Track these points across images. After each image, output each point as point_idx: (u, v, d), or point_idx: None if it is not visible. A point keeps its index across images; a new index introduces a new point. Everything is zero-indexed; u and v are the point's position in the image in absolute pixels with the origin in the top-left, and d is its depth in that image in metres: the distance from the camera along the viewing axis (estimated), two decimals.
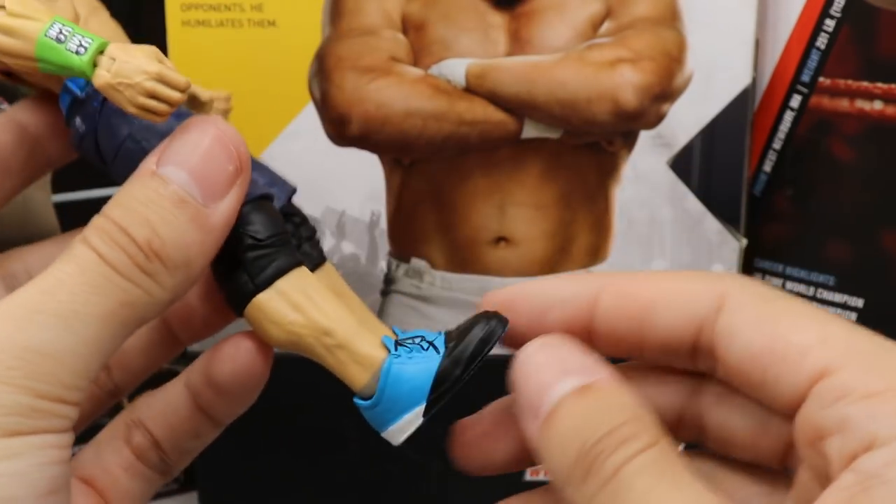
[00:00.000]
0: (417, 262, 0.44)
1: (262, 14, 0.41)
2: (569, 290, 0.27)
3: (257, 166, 0.28)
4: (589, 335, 0.26)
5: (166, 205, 0.24)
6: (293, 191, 0.29)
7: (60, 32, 0.25)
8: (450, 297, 0.44)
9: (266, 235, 0.27)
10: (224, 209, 0.25)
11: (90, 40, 0.25)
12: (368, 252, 0.44)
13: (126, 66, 0.24)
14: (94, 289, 0.23)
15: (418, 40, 0.42)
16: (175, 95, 0.25)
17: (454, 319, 0.44)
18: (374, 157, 0.43)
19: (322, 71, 0.42)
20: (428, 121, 0.42)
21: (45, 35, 0.25)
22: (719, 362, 0.25)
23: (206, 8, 0.41)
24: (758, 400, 0.24)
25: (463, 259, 0.44)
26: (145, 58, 0.25)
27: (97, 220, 0.25)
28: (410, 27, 0.42)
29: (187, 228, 0.25)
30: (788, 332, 0.23)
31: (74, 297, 0.23)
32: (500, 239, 0.44)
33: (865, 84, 0.42)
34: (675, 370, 0.27)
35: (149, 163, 0.25)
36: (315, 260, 0.29)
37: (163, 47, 0.42)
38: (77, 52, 0.25)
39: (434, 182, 0.43)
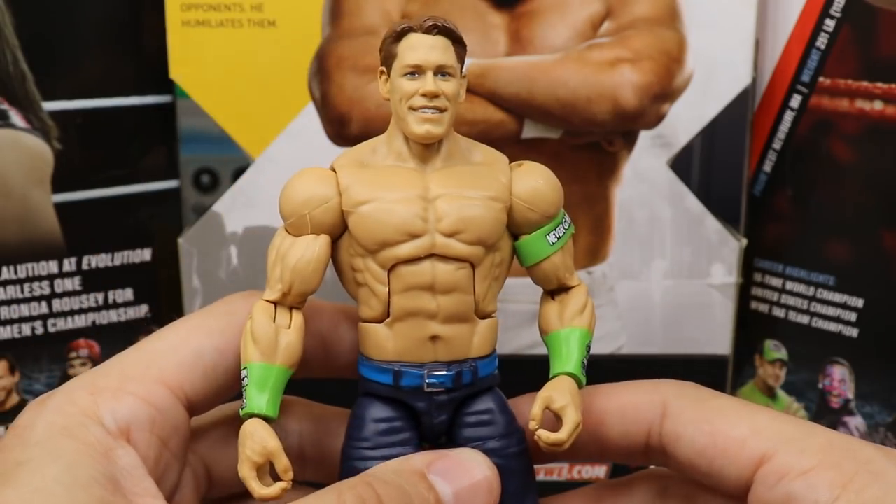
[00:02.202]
0: None
1: (262, 14, 0.41)
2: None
3: None
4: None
5: None
6: None
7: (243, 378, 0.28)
8: None
9: None
10: None
11: (244, 404, 0.28)
12: None
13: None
14: None
15: None
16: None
17: None
18: None
19: (322, 71, 0.42)
20: None
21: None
22: (670, 459, 0.29)
23: (206, 8, 0.41)
24: (711, 487, 0.29)
25: None
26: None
27: (361, 486, 0.26)
28: None
29: None
30: (725, 428, 0.28)
31: None
32: None
33: (865, 84, 0.42)
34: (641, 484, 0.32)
35: (421, 462, 0.28)
36: None
37: (163, 47, 0.42)
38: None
39: None
